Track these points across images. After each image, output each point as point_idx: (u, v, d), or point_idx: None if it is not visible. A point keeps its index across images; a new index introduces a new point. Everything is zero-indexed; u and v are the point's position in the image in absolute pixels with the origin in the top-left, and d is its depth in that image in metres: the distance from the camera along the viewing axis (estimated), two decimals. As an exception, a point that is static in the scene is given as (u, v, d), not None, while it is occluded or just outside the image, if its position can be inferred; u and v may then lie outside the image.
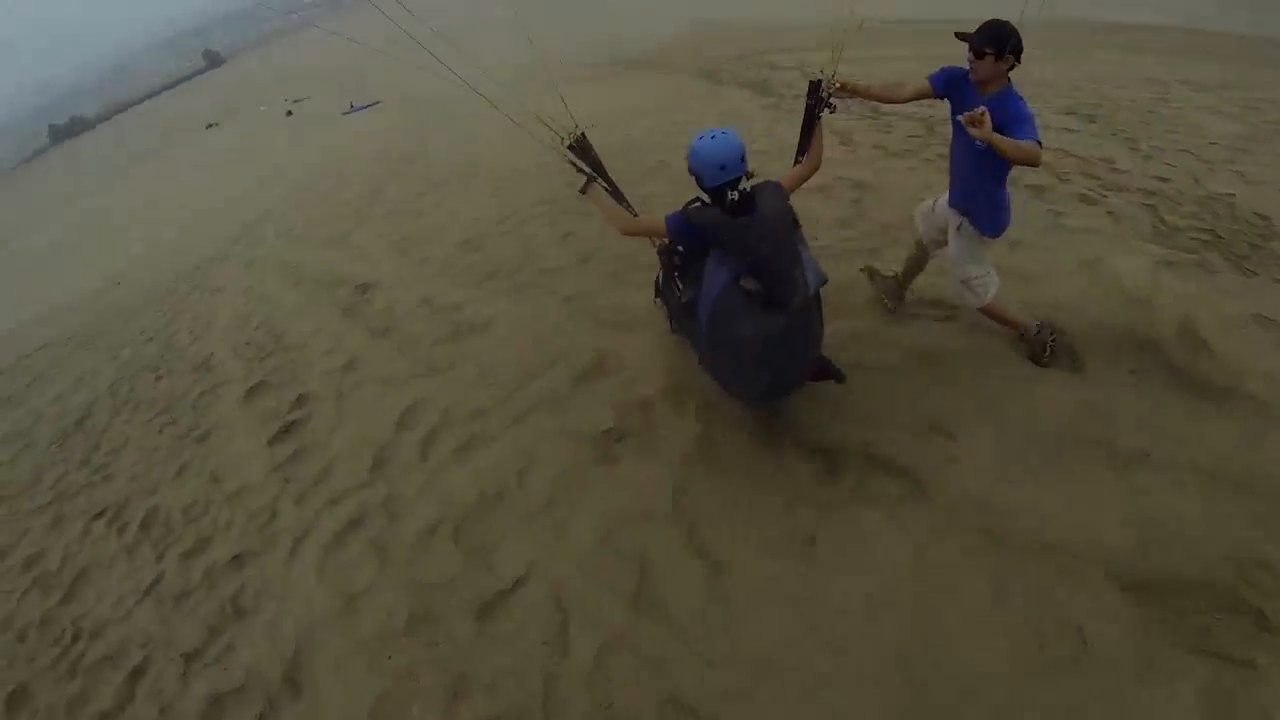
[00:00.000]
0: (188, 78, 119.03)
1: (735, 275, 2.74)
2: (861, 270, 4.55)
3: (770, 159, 7.02)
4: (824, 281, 2.89)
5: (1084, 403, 3.34)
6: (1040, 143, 2.70)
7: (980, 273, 3.42)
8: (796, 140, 3.31)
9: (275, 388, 5.78)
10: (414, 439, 4.40)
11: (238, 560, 4.03)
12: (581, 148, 3.40)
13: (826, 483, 3.27)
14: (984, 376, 3.59)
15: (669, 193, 7.14)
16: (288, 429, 5.06)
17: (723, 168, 2.74)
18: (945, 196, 3.44)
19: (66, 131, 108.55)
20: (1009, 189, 3.20)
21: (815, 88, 3.18)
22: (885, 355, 3.88)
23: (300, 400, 5.37)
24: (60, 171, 72.82)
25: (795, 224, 2.87)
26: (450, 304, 5.99)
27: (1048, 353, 3.54)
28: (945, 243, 3.54)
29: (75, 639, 4.15)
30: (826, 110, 3.19)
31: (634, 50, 31.31)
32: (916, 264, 3.96)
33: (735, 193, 2.76)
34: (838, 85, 3.19)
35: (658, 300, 4.09)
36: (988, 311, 3.54)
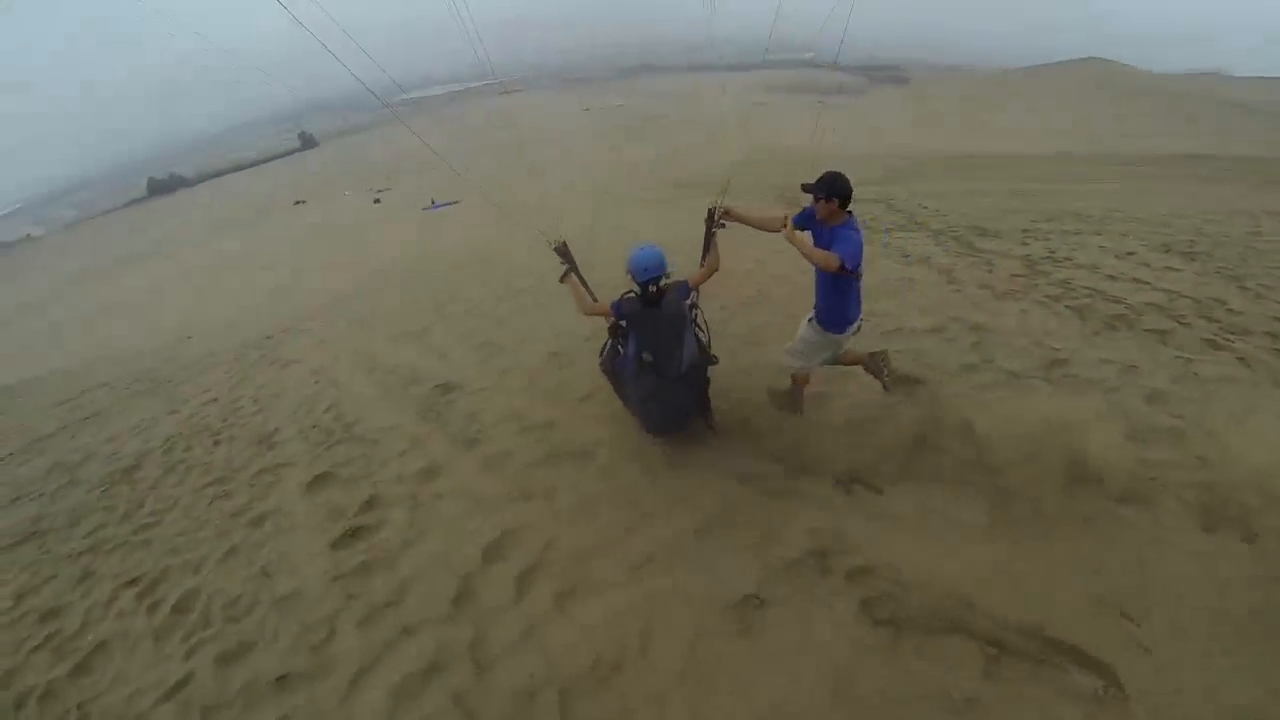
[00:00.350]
0: (282, 155, 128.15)
1: (639, 350, 4.05)
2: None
3: (878, 298, 7.10)
4: (709, 363, 4.43)
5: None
6: (844, 261, 3.64)
7: (801, 348, 4.42)
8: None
9: (343, 482, 5.43)
10: (507, 574, 3.89)
11: (284, 682, 3.51)
12: (563, 251, 4.57)
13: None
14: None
15: (773, 323, 6.98)
16: (354, 533, 4.65)
17: (646, 269, 3.93)
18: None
19: (165, 187, 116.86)
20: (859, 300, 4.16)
21: (711, 214, 4.29)
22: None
23: (370, 503, 4.99)
24: (155, 223, 77.66)
25: (685, 319, 4.10)
26: (543, 422, 5.68)
27: (885, 374, 4.59)
28: (840, 355, 4.54)
29: (78, 728, 3.68)
30: (719, 228, 4.31)
31: (699, 173, 32.77)
32: (848, 359, 4.67)
33: (654, 286, 3.97)
34: (724, 211, 4.28)
35: (601, 364, 4.81)
36: (794, 380, 4.66)
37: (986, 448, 4.14)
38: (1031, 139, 44.28)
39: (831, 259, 3.60)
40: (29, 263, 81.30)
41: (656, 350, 4.00)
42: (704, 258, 4.33)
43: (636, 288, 4.03)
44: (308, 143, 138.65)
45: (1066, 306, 6.64)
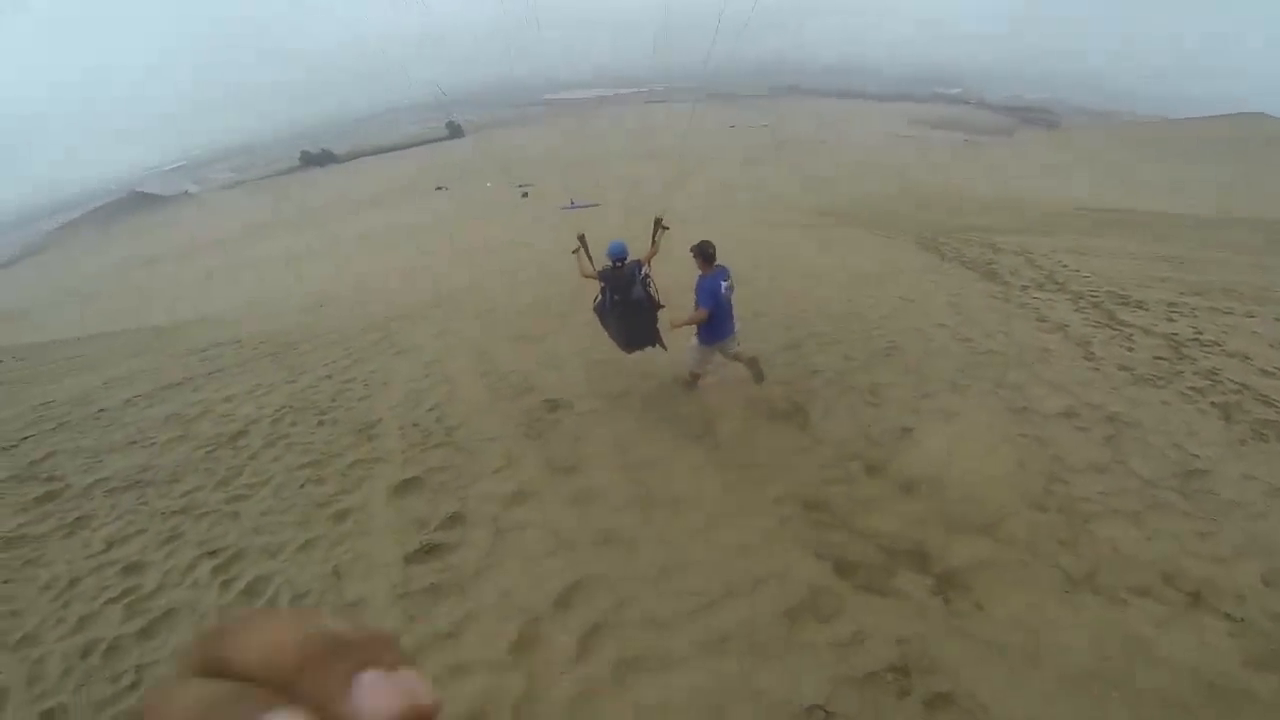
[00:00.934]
0: (428, 141, 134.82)
1: (610, 293, 5.86)
2: None
3: (1009, 366, 6.83)
4: (658, 307, 6.01)
5: None
6: (701, 305, 5.70)
7: (694, 357, 6.22)
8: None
9: (431, 491, 5.18)
10: (573, 626, 3.53)
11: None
12: (582, 239, 6.18)
13: None
14: None
15: (901, 382, 6.57)
16: (430, 550, 4.36)
17: (614, 253, 5.85)
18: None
19: (316, 160, 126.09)
20: None
21: (658, 221, 6.20)
22: None
23: (453, 520, 4.70)
24: (304, 193, 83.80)
25: (634, 277, 5.81)
26: (644, 460, 5.27)
27: (760, 376, 6.41)
28: (730, 357, 6.23)
29: (132, 687, 3.63)
30: (664, 229, 6.20)
31: (845, 201, 31.97)
32: (739, 358, 6.31)
33: (620, 262, 5.86)
34: (663, 222, 6.20)
35: (594, 309, 6.24)
36: (691, 374, 6.44)
37: (1105, 569, 3.68)
38: (1185, 197, 40.60)
39: (700, 314, 5.69)
40: (186, 216, 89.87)
41: (617, 290, 5.83)
42: (649, 248, 6.20)
43: (609, 263, 5.92)
44: (455, 132, 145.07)
45: (1212, 403, 5.98)
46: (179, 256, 54.81)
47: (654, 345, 6.20)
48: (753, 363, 6.32)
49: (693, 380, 6.46)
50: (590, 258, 6.19)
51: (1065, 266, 12.32)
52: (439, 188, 64.91)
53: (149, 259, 58.69)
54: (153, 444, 7.15)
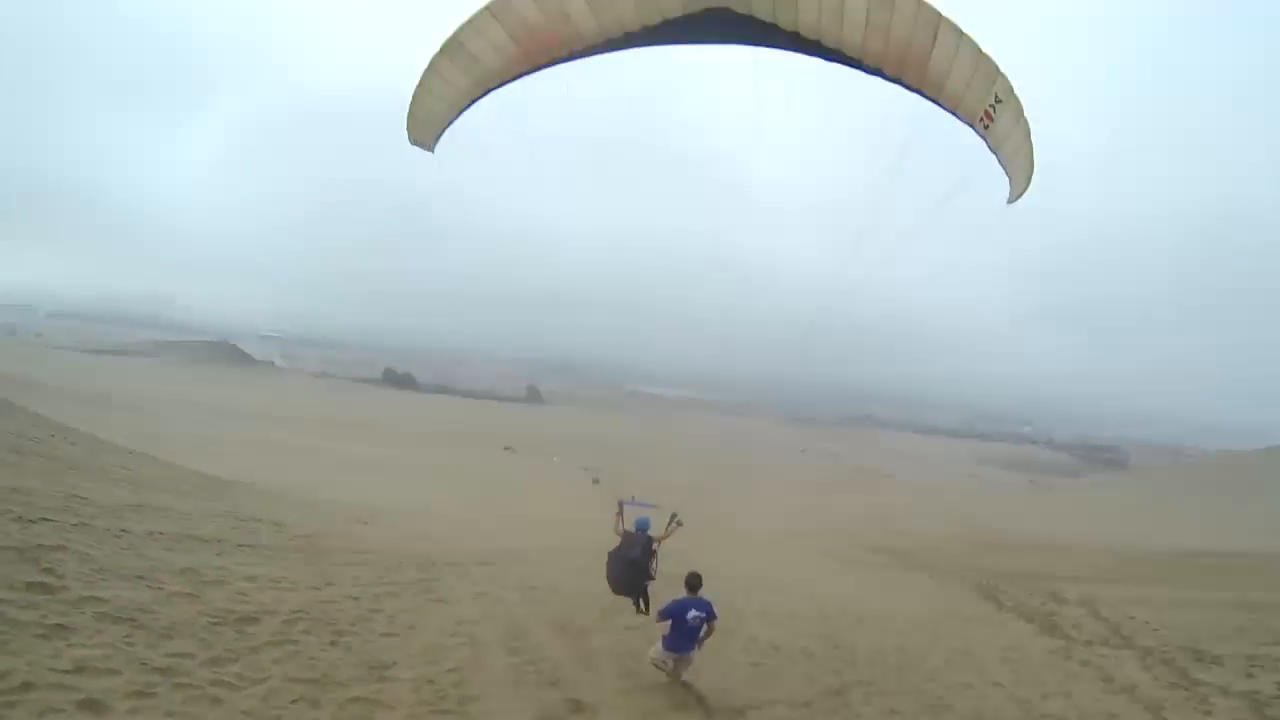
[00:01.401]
0: (507, 399, 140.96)
1: (622, 546, 7.46)
2: None
3: None
4: (648, 577, 7.47)
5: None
6: (660, 614, 6.72)
7: (659, 656, 6.57)
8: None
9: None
10: None
11: None
12: (621, 506, 8.20)
13: None
14: None
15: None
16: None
17: (639, 526, 7.56)
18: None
19: (398, 380, 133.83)
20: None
21: (674, 516, 7.93)
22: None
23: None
24: (382, 409, 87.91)
25: (640, 543, 7.38)
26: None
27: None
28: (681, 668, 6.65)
29: None
30: (677, 524, 7.91)
31: (902, 540, 29.90)
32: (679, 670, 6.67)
33: (639, 532, 7.49)
34: (678, 518, 7.97)
35: (609, 552, 7.49)
36: (655, 664, 6.67)
37: None
38: (1262, 534, 36.03)
39: (665, 534, 7.67)
40: (269, 384, 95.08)
41: (627, 547, 7.25)
42: (664, 532, 7.63)
43: (634, 529, 7.49)
44: (534, 397, 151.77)
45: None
46: (250, 419, 56.72)
47: (635, 600, 7.67)
48: (689, 686, 6.70)
49: (661, 666, 6.71)
50: (623, 521, 8.00)
51: (1133, 619, 11.19)
52: (507, 448, 66.56)
53: (221, 410, 60.84)
54: (160, 589, 6.68)
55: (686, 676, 6.65)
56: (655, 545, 7.46)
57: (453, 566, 11.12)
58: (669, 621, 6.40)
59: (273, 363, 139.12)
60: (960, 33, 5.53)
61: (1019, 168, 6.12)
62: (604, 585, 7.86)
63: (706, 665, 7.43)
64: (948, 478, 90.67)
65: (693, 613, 6.29)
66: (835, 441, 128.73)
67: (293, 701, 5.02)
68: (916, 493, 65.38)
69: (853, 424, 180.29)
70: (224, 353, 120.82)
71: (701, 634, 6.45)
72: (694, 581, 6.50)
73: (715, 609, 6.52)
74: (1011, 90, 5.66)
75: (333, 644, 6.42)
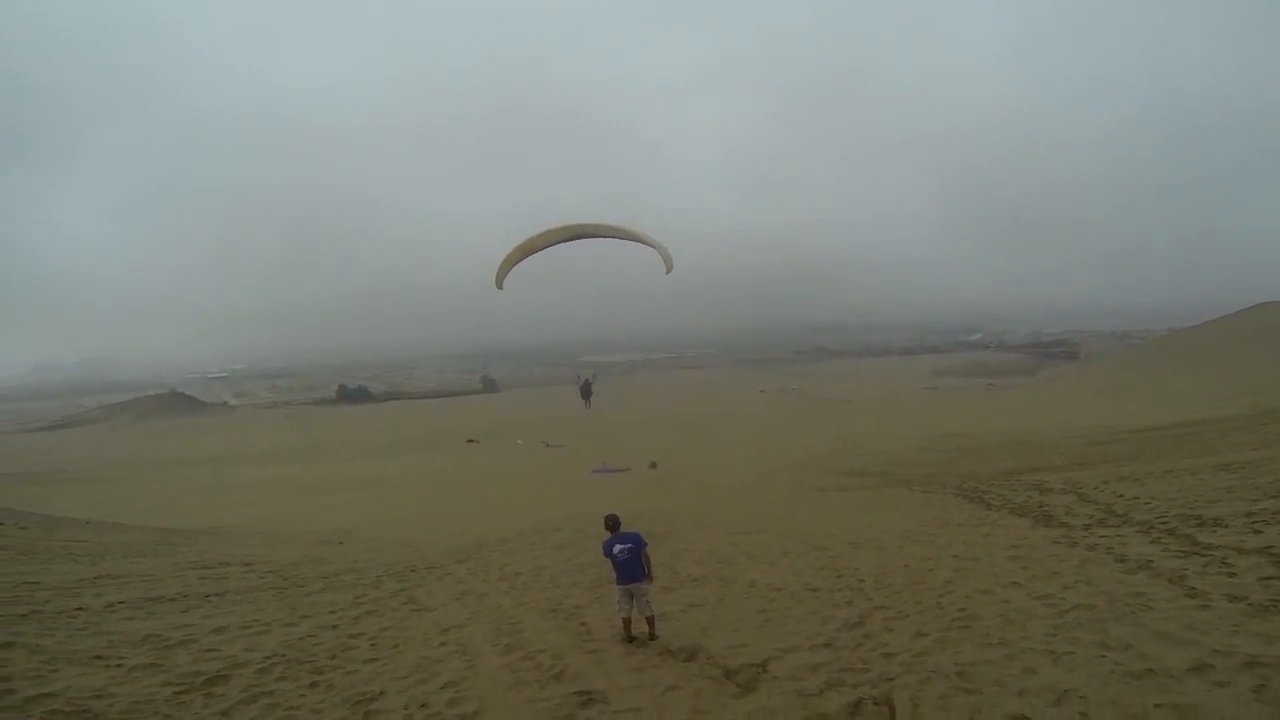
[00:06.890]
0: (462, 393, 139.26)
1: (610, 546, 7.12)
2: None
3: (1107, 622, 5.71)
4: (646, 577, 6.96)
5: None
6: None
7: (617, 597, 7.00)
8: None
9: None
10: None
11: None
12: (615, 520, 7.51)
13: None
14: None
15: (990, 658, 5.40)
16: None
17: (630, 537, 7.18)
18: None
19: (352, 396, 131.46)
20: None
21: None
22: None
23: None
24: (340, 427, 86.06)
25: (633, 543, 6.95)
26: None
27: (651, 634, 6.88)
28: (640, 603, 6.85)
29: None
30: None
31: (874, 460, 30.58)
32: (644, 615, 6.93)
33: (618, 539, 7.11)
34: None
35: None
36: (622, 621, 6.91)
37: None
38: (1218, 400, 38.16)
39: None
40: (221, 426, 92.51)
41: (616, 541, 6.98)
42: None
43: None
44: (489, 387, 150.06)
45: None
46: (207, 464, 55.13)
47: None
48: (650, 621, 6.91)
49: (625, 626, 6.91)
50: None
51: (1121, 496, 11.36)
52: (470, 440, 65.74)
53: (178, 460, 58.92)
54: (119, 665, 6.22)
55: (649, 613, 6.92)
56: (645, 546, 7.26)
57: (432, 570, 10.70)
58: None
59: (225, 402, 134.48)
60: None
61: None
62: (588, 557, 7.65)
63: (714, 621, 7.17)
64: (907, 393, 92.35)
65: (618, 547, 6.93)
66: (792, 379, 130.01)
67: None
68: (879, 412, 66.51)
69: (807, 359, 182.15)
70: (173, 403, 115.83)
71: (642, 563, 6.95)
72: (609, 522, 7.31)
73: (643, 538, 7.15)
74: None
75: (312, 685, 6.00)
